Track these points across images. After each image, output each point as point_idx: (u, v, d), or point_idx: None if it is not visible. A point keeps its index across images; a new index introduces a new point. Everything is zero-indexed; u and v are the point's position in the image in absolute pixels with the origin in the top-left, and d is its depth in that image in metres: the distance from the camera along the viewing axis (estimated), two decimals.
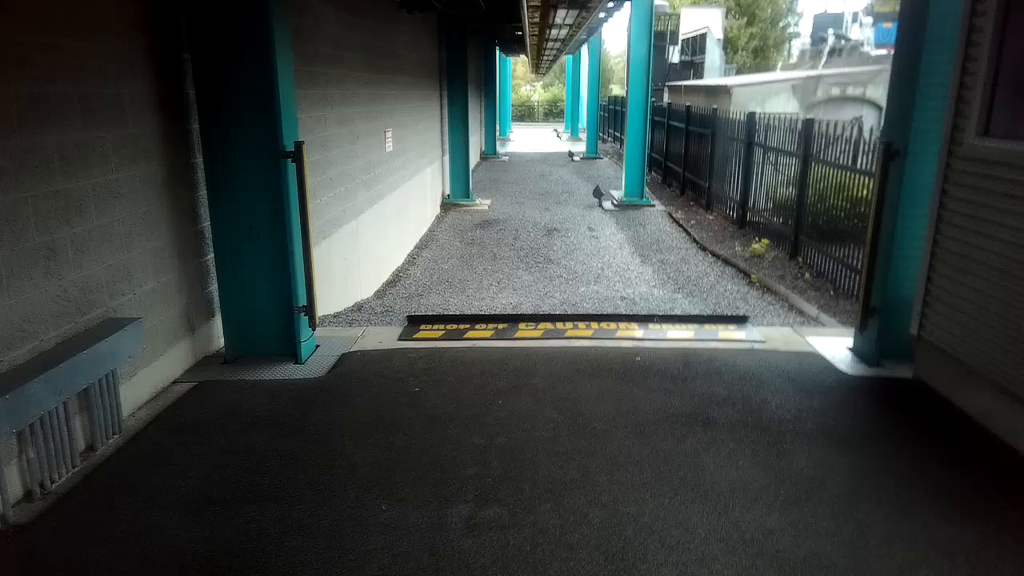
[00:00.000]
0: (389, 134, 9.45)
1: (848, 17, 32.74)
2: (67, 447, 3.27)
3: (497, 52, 27.57)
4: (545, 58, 26.19)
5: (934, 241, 4.16)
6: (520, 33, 16.30)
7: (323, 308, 5.72)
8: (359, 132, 7.98)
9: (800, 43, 38.61)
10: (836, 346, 4.93)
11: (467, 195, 15.00)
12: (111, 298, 3.75)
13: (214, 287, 4.67)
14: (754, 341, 5.17)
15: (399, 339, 5.26)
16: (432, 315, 6.44)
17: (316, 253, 4.83)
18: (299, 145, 4.40)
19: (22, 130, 3.13)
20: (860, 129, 8.36)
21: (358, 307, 7.41)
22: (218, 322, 4.74)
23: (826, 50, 27.62)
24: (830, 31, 29.19)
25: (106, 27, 3.71)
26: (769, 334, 5.42)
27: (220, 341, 4.79)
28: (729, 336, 5.35)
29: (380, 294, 8.36)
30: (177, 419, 3.90)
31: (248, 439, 3.69)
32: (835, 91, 18.56)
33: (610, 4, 13.73)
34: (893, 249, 4.48)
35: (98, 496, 3.17)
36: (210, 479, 3.30)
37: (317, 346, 4.89)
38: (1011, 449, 3.52)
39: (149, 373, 4.10)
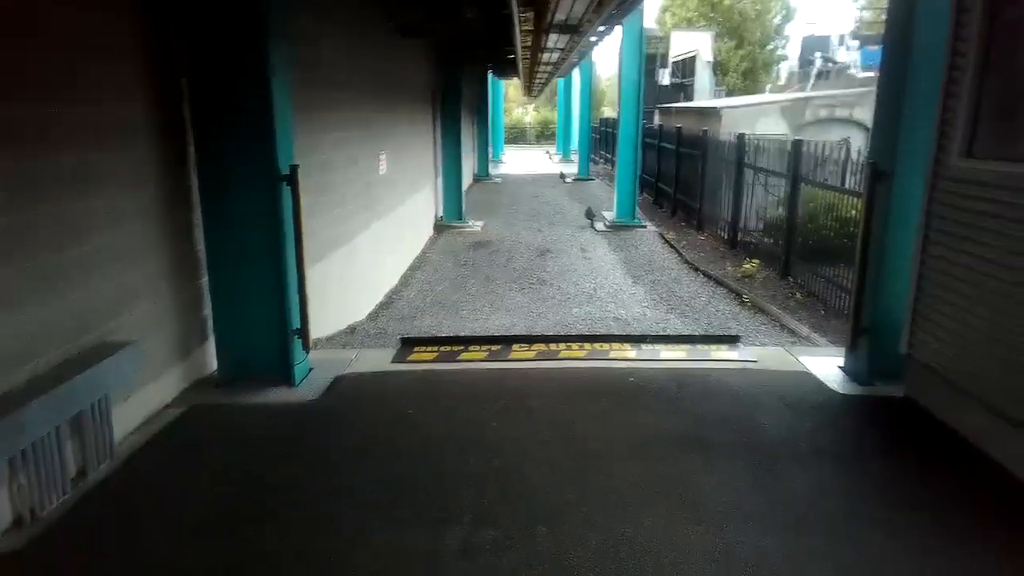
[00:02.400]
0: (384, 157, 9.52)
1: (835, 40, 33.30)
2: (59, 472, 3.25)
3: (490, 75, 27.86)
4: (537, 81, 26.48)
5: (921, 261, 4.22)
6: (513, 57, 16.50)
7: (317, 331, 5.72)
8: (355, 155, 8.04)
9: (788, 65, 39.20)
10: (827, 365, 4.96)
11: (460, 217, 15.08)
12: (106, 321, 3.75)
13: (208, 310, 4.67)
14: (747, 361, 5.20)
15: (392, 361, 5.26)
16: (426, 337, 6.45)
17: (310, 275, 4.84)
18: (294, 169, 4.43)
19: (22, 154, 3.15)
20: (848, 150, 8.49)
21: (352, 329, 7.43)
22: (212, 345, 4.74)
23: (813, 72, 28.04)
24: (817, 54, 29.65)
25: (105, 52, 3.75)
26: (761, 354, 5.44)
27: (214, 364, 4.78)
28: (722, 356, 5.38)
29: (373, 316, 8.37)
30: (170, 443, 3.88)
31: (241, 463, 3.68)
32: (823, 112, 18.80)
33: (601, 28, 13.91)
34: (882, 269, 4.54)
35: (89, 522, 3.14)
36: (203, 504, 3.28)
37: (311, 369, 4.89)
38: (1002, 468, 3.54)
39: (142, 396, 4.08)
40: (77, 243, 3.52)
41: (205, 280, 4.62)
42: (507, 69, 24.95)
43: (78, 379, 3.26)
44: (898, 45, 4.37)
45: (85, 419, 3.41)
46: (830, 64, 28.49)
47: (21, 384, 3.13)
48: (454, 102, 15.00)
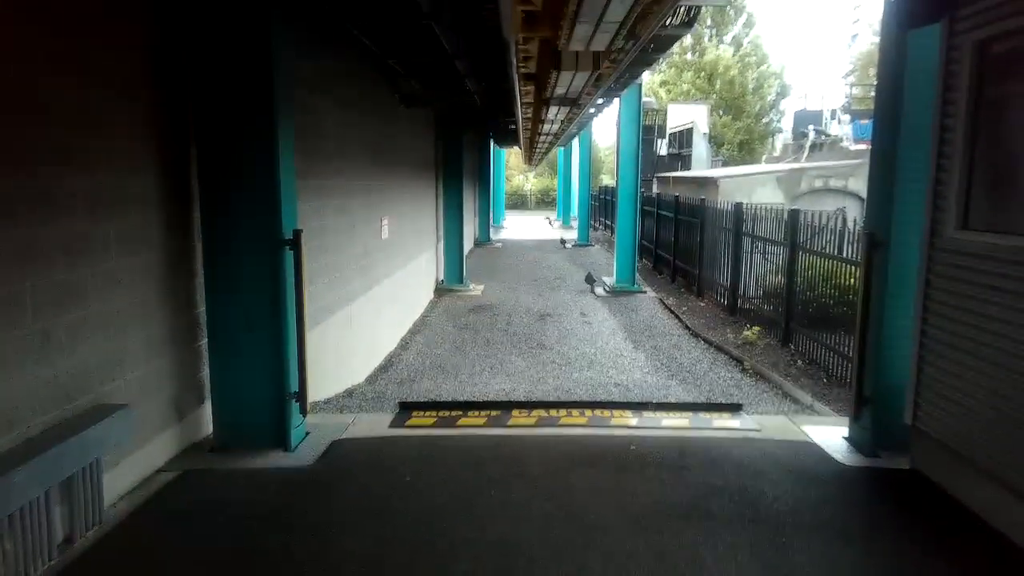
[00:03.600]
0: (385, 222, 9.65)
1: (827, 114, 34.26)
2: (45, 538, 3.16)
3: (492, 143, 28.54)
4: (538, 150, 27.10)
5: (922, 331, 4.22)
6: (514, 127, 16.94)
7: (314, 394, 5.67)
8: (356, 220, 8.16)
9: (783, 137, 40.20)
10: (831, 435, 4.89)
11: (461, 280, 15.16)
12: (101, 384, 3.72)
13: (205, 372, 4.64)
14: (749, 429, 5.13)
15: (390, 426, 5.19)
16: (424, 402, 6.39)
17: (310, 338, 4.83)
18: (297, 234, 4.49)
19: (28, 222, 3.20)
20: (844, 220, 8.62)
21: (349, 393, 7.35)
22: (207, 408, 4.68)
23: (807, 144, 28.72)
24: (811, 127, 30.43)
25: (115, 123, 3.86)
26: (764, 422, 5.38)
27: (208, 427, 4.71)
28: (724, 424, 5.31)
29: (372, 379, 8.30)
30: (160, 510, 3.79)
31: (233, 531, 3.58)
32: (818, 183, 19.17)
33: (600, 101, 14.34)
34: (882, 338, 4.53)
35: None
36: (193, 573, 3.17)
37: (307, 433, 4.82)
38: (1011, 544, 3.45)
39: (134, 461, 4.01)
40: (74, 307, 3.53)
41: (204, 343, 4.61)
42: (508, 138, 25.59)
43: (70, 442, 3.21)
44: (888, 119, 4.50)
45: (75, 484, 3.34)
46: (823, 136, 29.21)
47: (10, 447, 3.07)
48: (456, 169, 15.31)
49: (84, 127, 3.59)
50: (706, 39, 43.47)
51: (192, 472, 4.23)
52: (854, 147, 24.19)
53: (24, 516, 3.02)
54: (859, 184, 17.54)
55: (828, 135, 29.37)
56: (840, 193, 18.49)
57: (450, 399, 6.99)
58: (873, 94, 4.98)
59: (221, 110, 4.36)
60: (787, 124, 40.36)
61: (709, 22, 42.90)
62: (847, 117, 32.14)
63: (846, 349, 7.47)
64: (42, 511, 3.13)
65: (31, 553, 3.08)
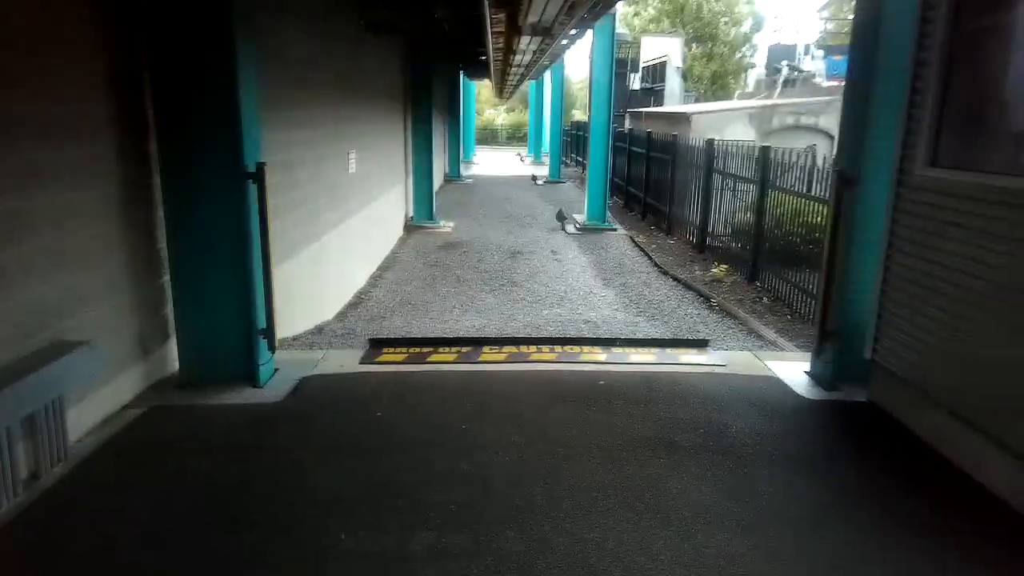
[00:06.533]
0: (353, 156, 9.40)
1: (801, 49, 33.94)
2: (9, 475, 3.12)
3: (462, 76, 27.80)
4: (509, 83, 26.47)
5: (886, 267, 4.29)
6: (485, 58, 16.46)
7: (283, 330, 5.61)
8: (324, 154, 7.93)
9: (756, 73, 39.81)
10: (794, 370, 5.02)
11: (431, 217, 14.98)
12: (60, 320, 3.62)
13: (170, 309, 4.54)
14: (715, 365, 5.24)
15: (361, 362, 5.18)
16: (395, 338, 6.37)
17: (277, 274, 4.75)
18: (261, 166, 4.34)
19: None
20: (814, 157, 8.63)
21: (319, 329, 7.30)
22: (173, 345, 4.61)
23: (780, 80, 28.52)
24: (784, 62, 30.16)
25: (60, 42, 3.63)
26: (730, 358, 5.50)
27: (175, 364, 4.65)
28: (691, 360, 5.41)
29: (342, 316, 8.25)
30: (126, 445, 3.76)
31: (201, 466, 3.57)
32: (790, 120, 19.15)
33: (573, 31, 13.96)
34: (848, 275, 4.61)
35: (41, 527, 3.02)
36: (161, 508, 3.18)
37: (276, 369, 4.79)
38: (960, 470, 3.62)
39: (99, 398, 3.95)
40: (27, 240, 3.39)
41: (167, 278, 4.49)
42: (479, 70, 24.94)
43: (28, 379, 3.13)
44: (863, 54, 4.45)
45: (38, 420, 3.29)
46: (796, 72, 29.01)
47: None
48: (425, 102, 14.89)
49: (27, 47, 3.36)
50: None
51: (158, 408, 4.19)
52: (827, 84, 24.12)
53: None
54: (830, 122, 17.58)
55: (801, 71, 29.17)
56: (811, 130, 18.52)
57: (421, 336, 7.00)
58: (848, 30, 4.90)
59: (175, 30, 4.12)
60: (761, 60, 39.93)
61: None
62: (820, 53, 31.91)
63: (811, 287, 7.61)
64: (4, 447, 3.07)
65: None
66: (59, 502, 3.21)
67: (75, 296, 3.75)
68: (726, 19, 41.66)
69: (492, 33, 10.64)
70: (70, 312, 3.70)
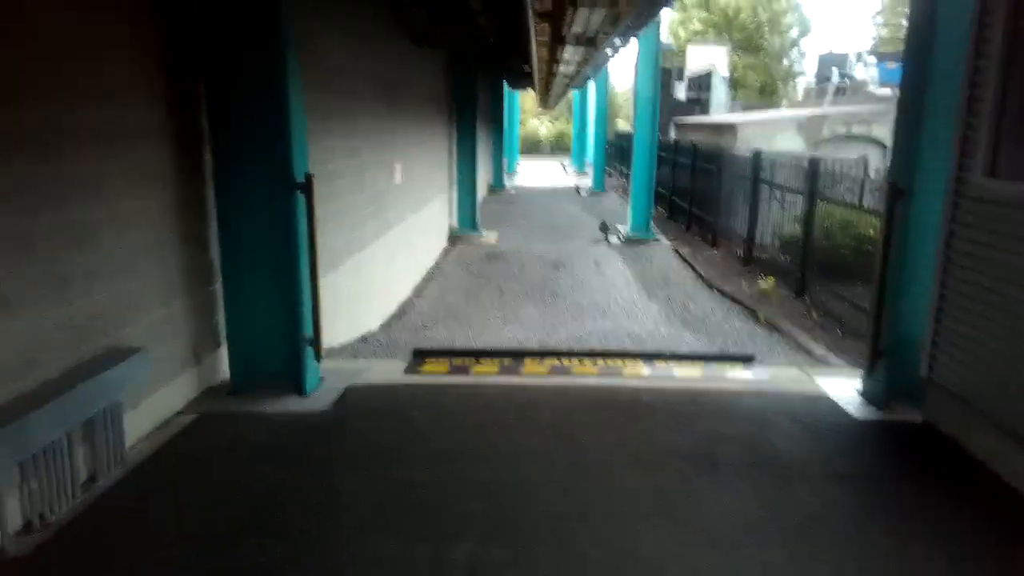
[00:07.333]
0: (398, 166, 9.54)
1: (852, 57, 33.16)
2: (68, 478, 3.24)
3: (505, 86, 27.96)
4: (553, 92, 26.56)
5: (942, 282, 4.14)
6: (528, 68, 16.56)
7: (329, 340, 5.71)
8: (367, 164, 8.06)
9: (805, 81, 39.06)
10: (844, 387, 4.88)
11: (474, 227, 15.08)
12: (117, 328, 3.75)
13: (221, 316, 4.67)
14: (761, 381, 5.13)
15: (404, 372, 5.24)
16: (438, 349, 6.42)
17: (323, 284, 4.84)
18: (309, 177, 4.44)
19: (38, 159, 3.17)
20: (866, 168, 8.41)
21: (364, 339, 7.41)
22: (224, 352, 4.74)
23: (831, 89, 27.90)
24: (835, 70, 29.53)
25: (123, 58, 3.79)
26: (776, 374, 5.37)
27: (225, 371, 4.78)
28: (736, 375, 5.31)
29: (386, 327, 8.36)
30: (179, 451, 3.88)
31: (250, 473, 3.66)
32: (840, 129, 18.71)
33: (617, 41, 13.94)
34: (901, 289, 4.46)
35: (98, 528, 3.13)
36: (211, 513, 3.26)
37: (322, 378, 4.88)
38: (1020, 495, 3.46)
39: (152, 403, 4.08)
40: (89, 248, 3.53)
41: (218, 286, 4.63)
42: (523, 80, 25.05)
43: (88, 384, 3.26)
44: (917, 61, 4.31)
45: (96, 425, 3.41)
46: (847, 80, 28.35)
47: (31, 389, 3.13)
48: (469, 112, 15.03)
49: (91, 60, 3.52)
50: None
51: (209, 415, 4.31)
52: (880, 91, 23.47)
53: (47, 456, 3.10)
54: (883, 131, 17.11)
55: (853, 79, 28.47)
56: (863, 140, 18.05)
57: (464, 347, 7.03)
58: (902, 35, 4.77)
59: (228, 48, 4.26)
60: (810, 68, 39.15)
61: None
62: (873, 59, 31.11)
63: (862, 302, 7.39)
64: (64, 451, 3.20)
65: (55, 491, 3.17)
66: (114, 505, 3.32)
67: (131, 303, 3.88)
68: (769, 28, 40.99)
69: (536, 43, 10.70)
70: (126, 319, 3.83)
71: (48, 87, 3.27)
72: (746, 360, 5.75)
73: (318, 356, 4.75)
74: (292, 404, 4.52)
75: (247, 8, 4.20)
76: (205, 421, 4.23)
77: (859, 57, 33.23)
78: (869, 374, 4.73)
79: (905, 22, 4.69)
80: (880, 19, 42.10)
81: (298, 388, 4.63)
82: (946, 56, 4.12)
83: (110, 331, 3.69)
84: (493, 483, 3.55)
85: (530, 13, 7.64)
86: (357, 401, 4.63)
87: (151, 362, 3.78)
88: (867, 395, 4.70)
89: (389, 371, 5.27)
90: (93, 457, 3.46)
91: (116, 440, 3.58)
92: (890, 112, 6.95)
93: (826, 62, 32.64)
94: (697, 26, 40.83)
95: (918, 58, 4.30)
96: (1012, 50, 3.69)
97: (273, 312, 4.56)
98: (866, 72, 30.75)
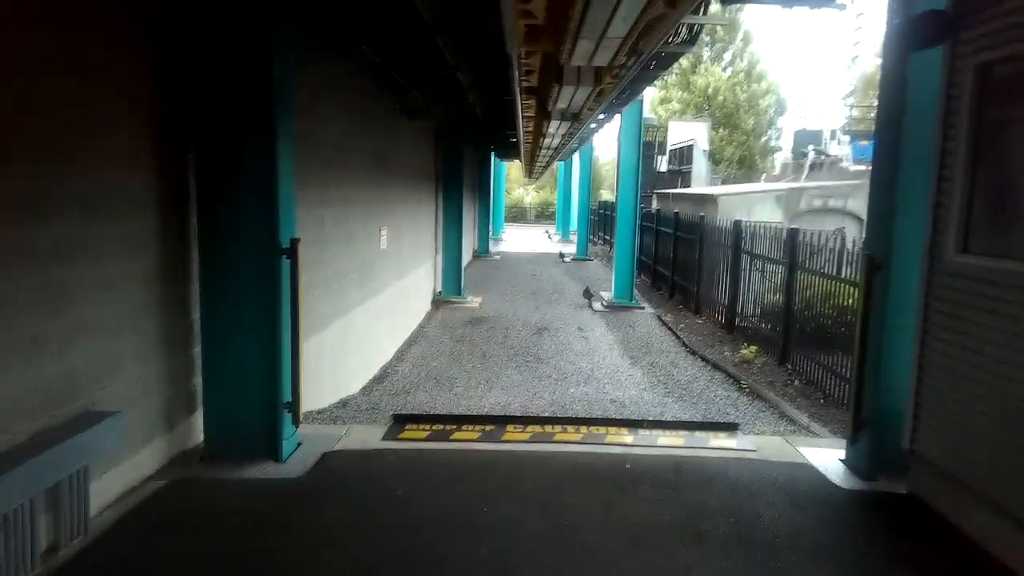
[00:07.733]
0: (384, 233, 9.63)
1: (827, 134, 34.39)
2: (28, 547, 3.10)
3: (492, 156, 28.61)
4: (538, 164, 27.16)
5: (921, 354, 4.19)
6: (515, 140, 16.99)
7: (308, 403, 5.61)
8: (355, 231, 8.13)
9: (782, 156, 40.33)
10: (828, 457, 4.85)
11: (459, 292, 15.11)
12: (91, 390, 3.67)
13: (198, 380, 4.59)
14: (745, 450, 5.09)
15: (383, 438, 5.14)
16: (418, 414, 6.33)
17: (305, 348, 4.79)
18: (295, 243, 4.47)
19: (18, 224, 3.17)
20: (843, 240, 8.60)
21: (343, 403, 7.29)
22: (199, 417, 4.63)
23: (807, 164, 28.80)
24: (810, 146, 30.54)
25: (114, 125, 3.84)
26: (760, 443, 5.34)
27: (200, 436, 4.66)
28: (720, 444, 5.26)
29: (367, 390, 8.24)
30: (147, 519, 3.73)
31: (220, 543, 3.52)
32: (817, 203, 19.20)
33: (601, 116, 14.38)
34: (881, 360, 4.50)
35: None
36: None
37: (299, 444, 4.77)
38: (1011, 571, 3.40)
39: (123, 469, 3.95)
40: (66, 311, 3.49)
41: (197, 350, 4.56)
42: (509, 151, 25.67)
43: (56, 449, 3.16)
44: (888, 143, 4.49)
45: (61, 491, 3.29)
46: (823, 156, 29.29)
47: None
48: (456, 181, 15.31)
49: (82, 128, 3.57)
50: (705, 56, 43.65)
51: (181, 481, 4.18)
52: (853, 168, 24.23)
53: (7, 523, 2.97)
54: (858, 204, 17.57)
55: (828, 155, 29.46)
56: (839, 213, 18.51)
57: (445, 412, 6.94)
58: (873, 116, 4.98)
59: (220, 116, 4.35)
60: (786, 143, 40.50)
61: (708, 39, 43.09)
62: (847, 138, 32.29)
63: (844, 370, 7.43)
64: (26, 519, 3.07)
65: (13, 561, 3.02)
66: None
67: (107, 367, 3.82)
68: (747, 108, 42.66)
69: (522, 117, 11.01)
70: (100, 382, 3.76)
71: (43, 155, 3.31)
72: (730, 428, 5.71)
73: (296, 421, 4.67)
74: (268, 470, 4.41)
75: (241, 76, 4.30)
76: (176, 487, 4.10)
77: (833, 135, 34.51)
78: (852, 444, 4.71)
79: (876, 104, 4.90)
80: (852, 100, 44.03)
81: (275, 453, 4.52)
82: (915, 138, 4.29)
83: (83, 395, 3.61)
84: (472, 556, 3.44)
85: (517, 90, 7.89)
86: (334, 467, 4.52)
87: (124, 426, 3.68)
88: (851, 465, 4.68)
89: (368, 437, 5.16)
90: (56, 525, 3.32)
91: (82, 507, 3.45)
92: (864, 187, 7.17)
93: (801, 138, 33.77)
94: (676, 106, 42.36)
95: (889, 140, 4.48)
96: (978, 133, 3.86)
97: (252, 376, 4.49)
98: (840, 149, 31.87)
